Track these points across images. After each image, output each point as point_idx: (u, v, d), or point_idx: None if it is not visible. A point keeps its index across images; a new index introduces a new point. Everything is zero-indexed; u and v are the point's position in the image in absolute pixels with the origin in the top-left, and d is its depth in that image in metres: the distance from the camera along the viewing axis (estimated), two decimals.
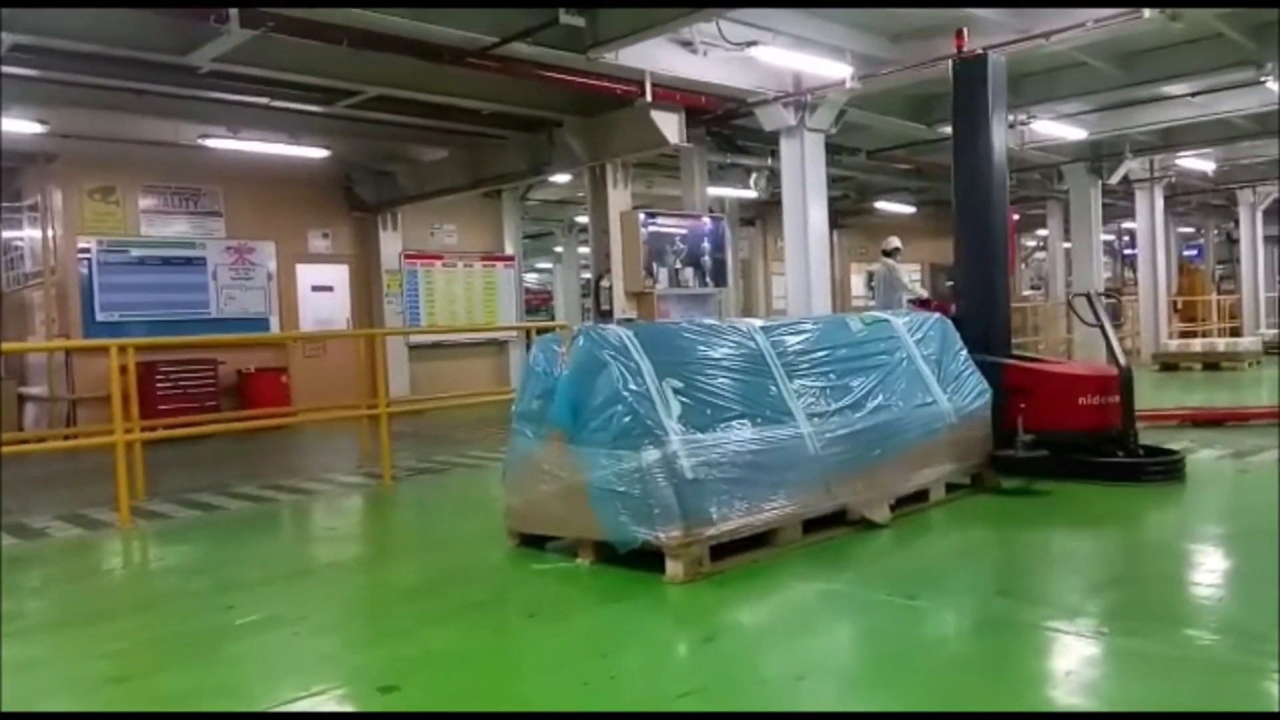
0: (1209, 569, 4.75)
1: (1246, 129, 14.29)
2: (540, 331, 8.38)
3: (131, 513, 6.54)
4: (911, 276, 15.29)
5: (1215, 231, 26.57)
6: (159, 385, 11.57)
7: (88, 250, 11.95)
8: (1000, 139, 6.99)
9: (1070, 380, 6.67)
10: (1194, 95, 11.89)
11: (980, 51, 7.24)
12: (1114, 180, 16.35)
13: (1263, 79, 10.16)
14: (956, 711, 2.95)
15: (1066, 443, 6.32)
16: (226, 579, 5.06)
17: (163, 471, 8.27)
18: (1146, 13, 7.39)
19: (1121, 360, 6.56)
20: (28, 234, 12.54)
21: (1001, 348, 6.93)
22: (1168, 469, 6.41)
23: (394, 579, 5.11)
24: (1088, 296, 7.19)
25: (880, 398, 5.72)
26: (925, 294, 12.99)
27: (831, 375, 5.60)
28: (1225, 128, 14.14)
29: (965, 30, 7.45)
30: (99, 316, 11.94)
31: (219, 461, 9.61)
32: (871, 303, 22.92)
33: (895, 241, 12.98)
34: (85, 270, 11.92)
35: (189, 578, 5.31)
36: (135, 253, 12.31)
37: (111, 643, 4.03)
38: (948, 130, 12.65)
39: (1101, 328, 6.88)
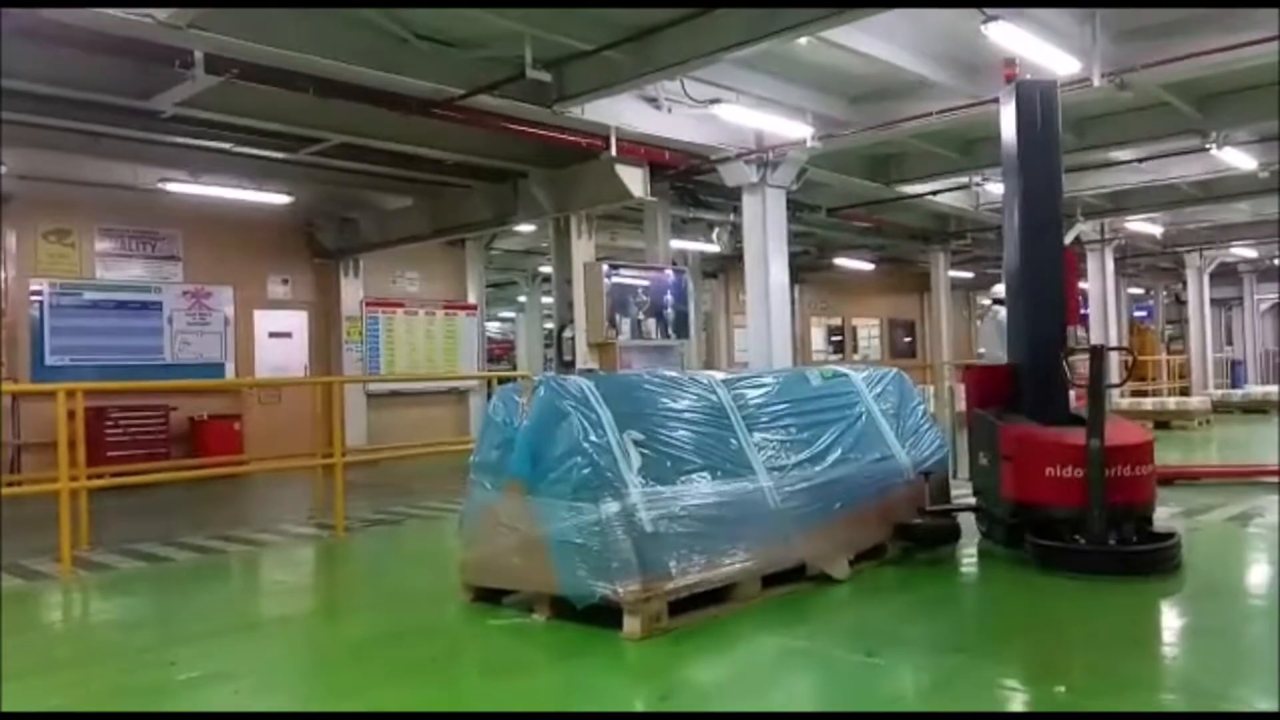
0: (1170, 629, 4.79)
1: (1193, 195, 14.77)
2: (501, 381, 8.33)
3: (74, 563, 6.33)
4: None
5: (1164, 293, 27.31)
6: (108, 431, 11.31)
7: (40, 292, 11.73)
8: (1059, 171, 6.31)
9: (1038, 447, 5.62)
10: (1141, 161, 12.28)
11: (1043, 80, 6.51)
12: (1067, 241, 16.74)
13: (1208, 147, 10.55)
14: (951, 711, 2.91)
15: (1038, 520, 5.58)
16: (169, 633, 4.89)
17: (109, 520, 8.03)
18: (1096, 81, 7.64)
19: (1099, 432, 5.40)
20: None
21: (1055, 407, 5.90)
22: (1130, 563, 5.34)
23: (343, 634, 4.97)
24: (1095, 350, 5.87)
25: (839, 451, 5.74)
26: None
27: (792, 429, 5.62)
28: (1173, 193, 14.60)
29: (1015, 61, 6.75)
30: (48, 360, 11.67)
31: (167, 511, 9.36)
32: (833, 357, 23.24)
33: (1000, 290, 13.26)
34: (36, 313, 11.68)
35: (131, 631, 5.13)
36: (89, 296, 12.10)
37: (49, 697, 3.87)
38: (906, 189, 13.16)
39: (1095, 389, 5.57)
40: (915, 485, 6.08)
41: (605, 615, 4.40)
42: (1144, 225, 17.81)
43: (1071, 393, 6.11)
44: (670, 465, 4.80)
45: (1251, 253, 22.34)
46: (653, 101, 9.16)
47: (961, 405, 7.21)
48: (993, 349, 13.24)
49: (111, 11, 5.86)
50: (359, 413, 13.90)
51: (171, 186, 11.18)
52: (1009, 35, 6.87)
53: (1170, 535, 5.61)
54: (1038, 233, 6.15)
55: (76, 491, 6.74)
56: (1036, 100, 6.14)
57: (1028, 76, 6.50)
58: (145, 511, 9.06)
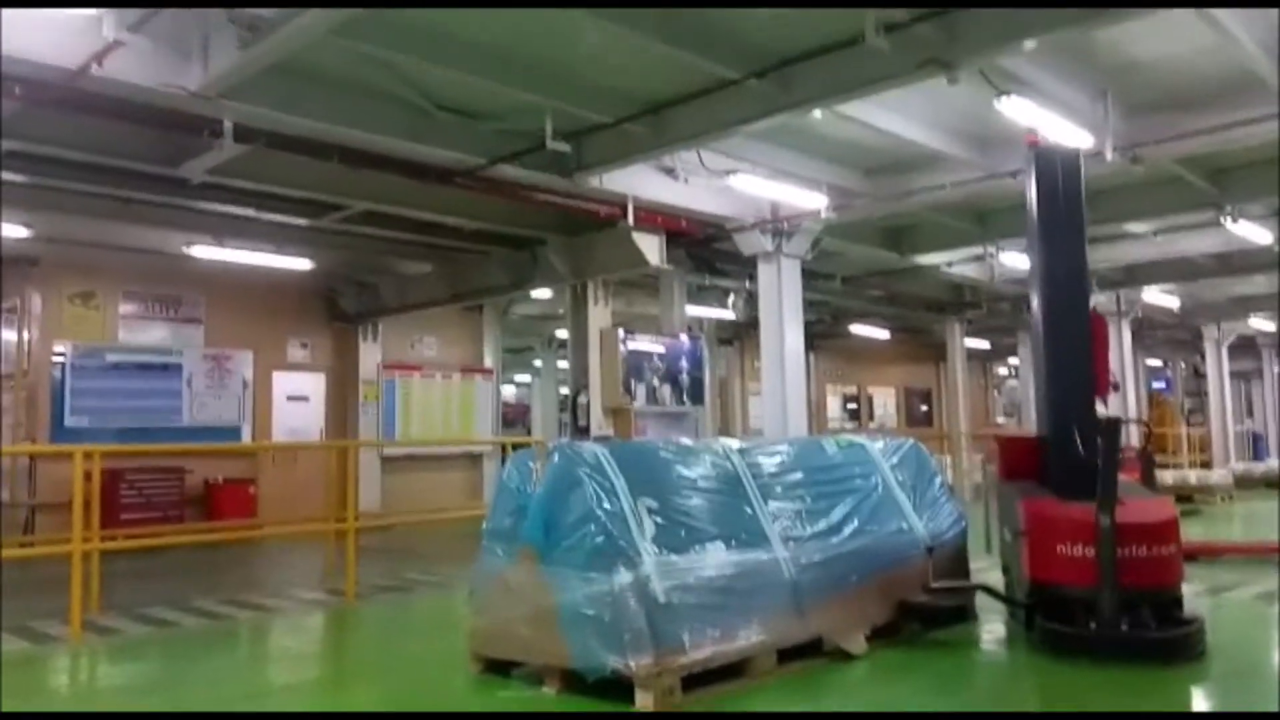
0: None
1: (1209, 267, 14.76)
2: (516, 446, 8.32)
3: (84, 627, 6.28)
4: None
5: (1183, 365, 27.12)
6: (123, 493, 11.33)
7: (63, 354, 11.87)
8: (1083, 236, 6.11)
9: (1050, 524, 5.38)
10: (1156, 234, 12.32)
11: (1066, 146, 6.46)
12: None
13: (1222, 220, 10.57)
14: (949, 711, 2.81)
15: (1052, 601, 5.32)
16: (175, 701, 4.83)
17: (120, 583, 8.00)
18: (1109, 155, 7.71)
19: (1110, 508, 5.12)
20: (4, 336, 12.47)
21: (1083, 481, 5.37)
22: (1144, 650, 4.99)
23: (350, 704, 4.89)
24: (1110, 423, 5.59)
25: (856, 523, 5.67)
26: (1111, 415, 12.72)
27: (807, 498, 5.57)
28: (1188, 265, 14.60)
29: (1037, 129, 6.88)
30: (68, 422, 11.76)
31: (179, 574, 9.31)
32: (849, 425, 23.10)
33: None
34: (58, 374, 11.80)
35: (136, 698, 5.06)
36: (110, 358, 12.23)
37: None
38: (920, 259, 13.22)
39: (1108, 464, 5.29)
40: (934, 558, 5.97)
41: (617, 689, 4.32)
42: (1161, 297, 17.78)
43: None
44: (684, 534, 4.76)
45: (1270, 325, 22.20)
46: (670, 172, 9.31)
47: (979, 476, 7.09)
48: None
49: (144, 84, 6.04)
50: (373, 477, 13.89)
51: (196, 251, 11.36)
52: (1022, 110, 6.97)
53: (1191, 620, 5.27)
54: (1060, 298, 5.99)
55: (89, 554, 6.73)
56: (1058, 166, 6.07)
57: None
58: (157, 575, 9.02)
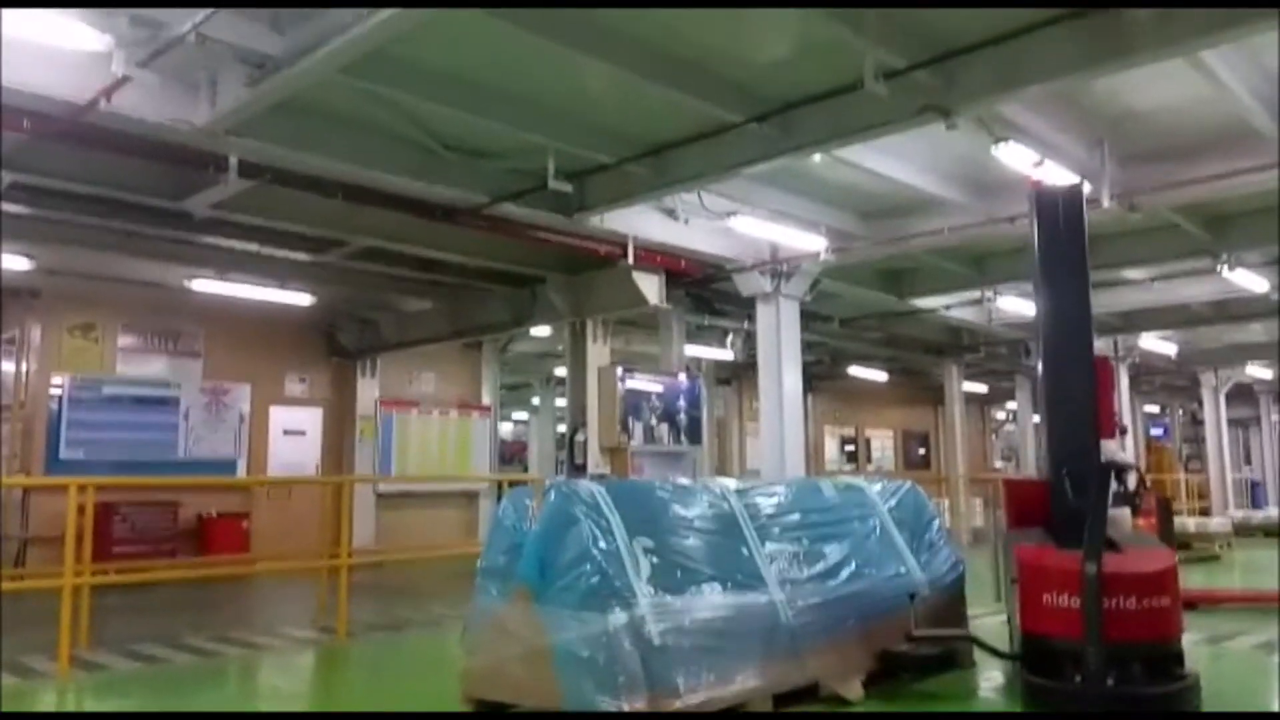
0: None
1: (1206, 314, 14.83)
2: (512, 484, 8.29)
3: (72, 662, 6.21)
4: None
5: (1180, 411, 27.12)
6: (116, 527, 11.25)
7: (60, 386, 11.86)
8: (1086, 276, 5.86)
9: (1037, 572, 5.15)
10: (1153, 280, 12.39)
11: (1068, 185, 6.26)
12: None
13: (1218, 268, 10.63)
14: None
15: (1041, 653, 5.06)
16: None
17: (111, 617, 7.92)
18: (1105, 203, 7.79)
19: (1096, 556, 4.84)
20: (3, 367, 12.45)
21: (1087, 529, 5.06)
22: (1129, 708, 4.71)
23: None
24: (1103, 468, 5.42)
25: (853, 566, 5.64)
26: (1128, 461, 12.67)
27: (804, 540, 5.54)
28: (1185, 312, 14.67)
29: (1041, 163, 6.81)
30: (63, 454, 11.71)
31: (170, 609, 9.21)
32: (847, 467, 23.04)
33: None
34: (55, 406, 11.78)
35: None
36: (108, 390, 12.22)
37: None
38: (918, 302, 13.28)
39: (1096, 510, 5.11)
40: (931, 603, 5.92)
41: None
42: (1158, 343, 17.84)
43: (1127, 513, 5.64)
44: (680, 575, 4.73)
45: (1267, 373, 22.25)
46: (670, 213, 9.39)
47: (978, 520, 6.97)
48: None
49: (151, 119, 6.10)
50: (368, 513, 13.81)
51: (197, 285, 11.39)
52: (1018, 156, 7.05)
53: (1184, 676, 4.96)
54: (1063, 338, 5.75)
55: (79, 588, 6.66)
56: (1059, 205, 5.89)
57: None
58: (147, 610, 8.93)
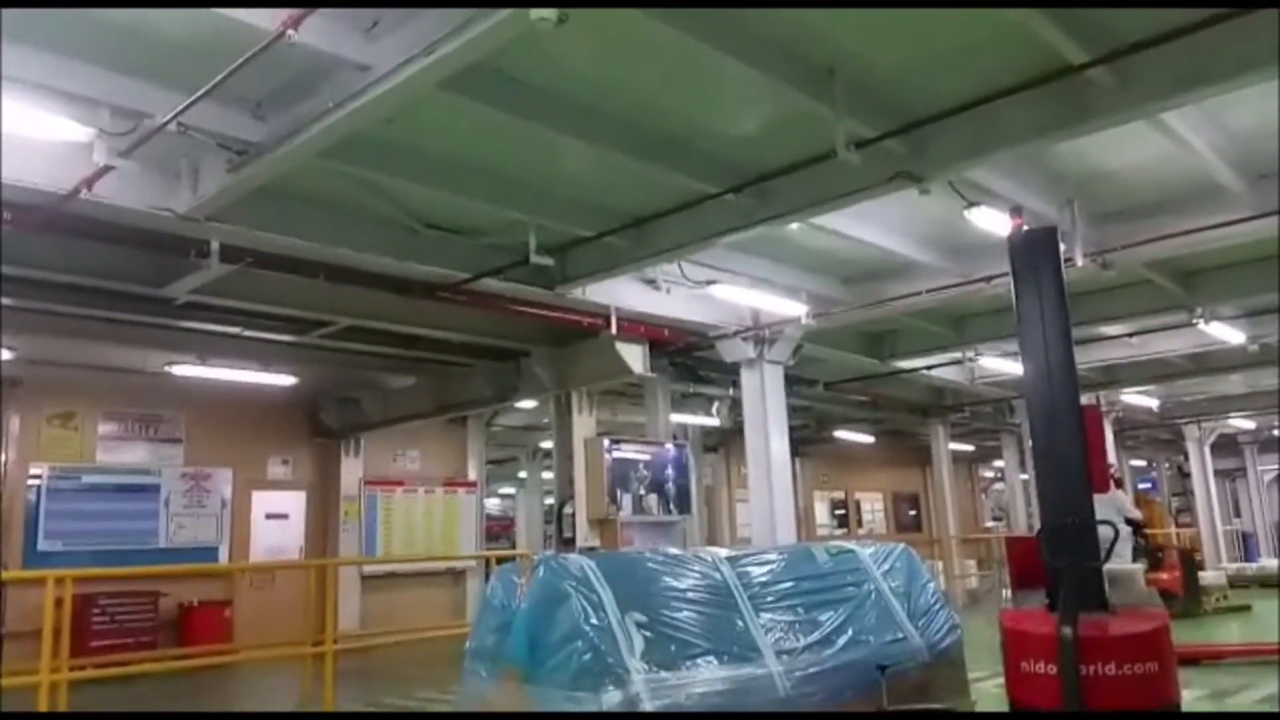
0: None
1: (1185, 368, 14.97)
2: (500, 560, 8.17)
3: None
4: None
5: (1166, 464, 27.19)
6: (95, 619, 10.96)
7: (39, 477, 11.68)
8: (1066, 317, 5.29)
9: (1012, 637, 4.78)
10: (1131, 336, 12.53)
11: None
12: None
13: (1195, 322, 10.77)
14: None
15: None
16: None
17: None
18: (1079, 261, 7.90)
19: (1072, 619, 4.46)
20: None
21: (1079, 589, 4.67)
22: None
23: None
24: (1073, 526, 4.88)
25: (850, 633, 5.54)
26: (1139, 515, 12.63)
27: (799, 608, 5.46)
28: (1165, 366, 14.81)
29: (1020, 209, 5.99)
30: (41, 545, 11.48)
31: (150, 703, 8.93)
32: (838, 531, 22.87)
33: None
34: (33, 497, 11.59)
35: None
36: (88, 480, 12.04)
37: None
38: (900, 364, 13.36)
39: (1071, 569, 4.74)
40: (930, 668, 5.82)
41: None
42: (1140, 398, 17.95)
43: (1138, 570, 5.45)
44: (674, 649, 4.64)
45: (1250, 424, 22.41)
46: (651, 283, 9.46)
47: (972, 582, 6.72)
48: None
49: (132, 207, 6.14)
50: (353, 595, 13.53)
51: (178, 370, 11.34)
52: (991, 220, 7.17)
53: None
54: (1043, 386, 5.22)
55: (57, 685, 6.46)
56: (1035, 245, 5.39)
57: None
58: (126, 704, 8.66)
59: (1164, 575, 12.44)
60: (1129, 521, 12.60)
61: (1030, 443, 5.59)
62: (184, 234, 6.87)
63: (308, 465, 14.33)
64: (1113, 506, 12.97)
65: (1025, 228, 5.60)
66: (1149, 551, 12.70)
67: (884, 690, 5.21)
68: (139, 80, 5.32)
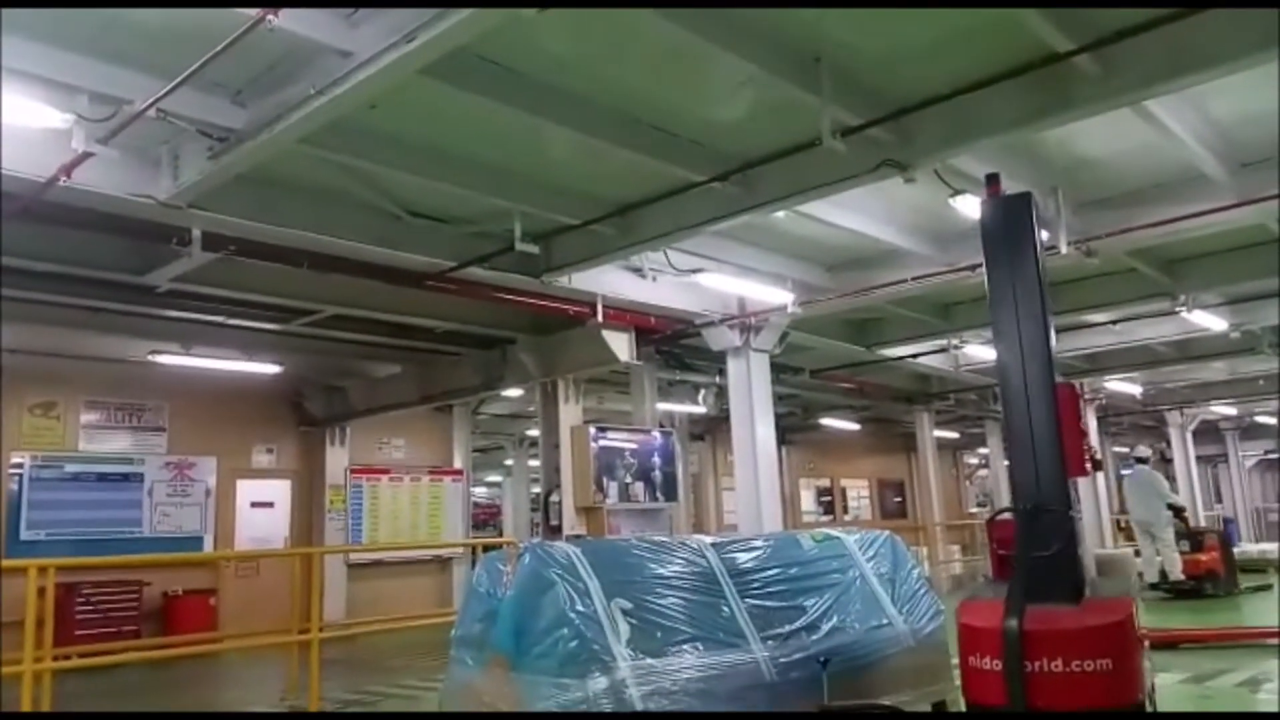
0: None
1: (1168, 355, 15.09)
2: (487, 548, 8.16)
3: None
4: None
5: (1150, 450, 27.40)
6: (78, 608, 10.91)
7: (20, 466, 11.59)
8: (1045, 290, 4.85)
9: (961, 630, 4.41)
10: (1114, 323, 12.61)
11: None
12: None
13: (1177, 309, 10.84)
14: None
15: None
16: None
17: (73, 704, 7.64)
18: (1064, 249, 7.94)
19: (1018, 611, 4.12)
20: None
21: (1051, 577, 4.30)
22: None
23: None
24: (1025, 512, 4.51)
25: (835, 619, 5.57)
26: (1183, 503, 12.79)
27: (785, 595, 5.47)
28: (1148, 353, 14.91)
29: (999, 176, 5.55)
30: (23, 535, 11.40)
31: (135, 693, 8.91)
32: (824, 518, 22.98)
33: (1146, 450, 13.57)
34: (15, 487, 11.50)
35: None
36: (70, 468, 11.96)
37: None
38: (886, 352, 13.41)
39: (1020, 559, 4.42)
40: (914, 653, 5.86)
41: None
42: (1123, 385, 18.08)
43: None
44: (660, 636, 4.65)
45: (1231, 410, 22.61)
46: (637, 271, 9.45)
47: (956, 568, 6.68)
48: (1140, 514, 13.14)
49: (112, 194, 6.07)
50: (338, 584, 13.50)
51: (161, 359, 11.26)
52: (975, 208, 7.15)
53: None
54: (1015, 363, 4.79)
55: (40, 674, 6.43)
56: (1010, 212, 5.08)
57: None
58: (110, 694, 8.62)
59: (1203, 556, 12.70)
60: (1170, 507, 12.76)
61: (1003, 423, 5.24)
62: (165, 221, 6.81)
63: (293, 454, 14.28)
64: (1154, 491, 13.18)
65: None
66: (1190, 534, 12.90)
67: (825, 686, 4.94)
68: (118, 66, 5.25)
